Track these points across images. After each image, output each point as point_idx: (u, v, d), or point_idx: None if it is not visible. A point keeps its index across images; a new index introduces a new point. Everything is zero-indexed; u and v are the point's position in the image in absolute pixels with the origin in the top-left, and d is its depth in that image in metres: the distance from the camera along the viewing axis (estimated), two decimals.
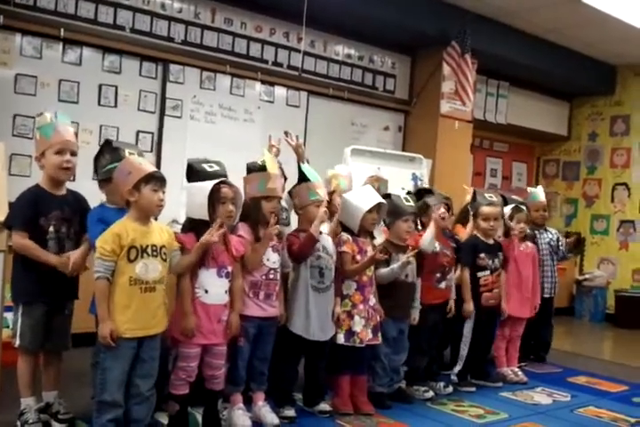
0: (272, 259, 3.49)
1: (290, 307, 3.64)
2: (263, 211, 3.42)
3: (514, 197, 5.14)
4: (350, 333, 3.69)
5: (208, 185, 3.14)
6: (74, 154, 3.22)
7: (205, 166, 3.48)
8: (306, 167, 3.80)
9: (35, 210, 3.14)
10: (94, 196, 3.35)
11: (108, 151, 3.29)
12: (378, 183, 4.38)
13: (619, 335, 7.65)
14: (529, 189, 5.69)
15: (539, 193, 5.47)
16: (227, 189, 3.22)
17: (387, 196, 3.98)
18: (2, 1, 4.68)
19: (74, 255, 3.18)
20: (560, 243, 5.55)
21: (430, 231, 4.01)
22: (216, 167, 3.52)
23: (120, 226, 2.85)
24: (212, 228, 3.06)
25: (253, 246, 3.39)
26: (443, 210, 4.25)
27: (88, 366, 3.33)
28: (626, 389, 4.85)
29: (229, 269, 3.26)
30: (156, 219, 3.09)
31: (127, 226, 2.86)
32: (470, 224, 4.59)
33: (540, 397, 4.46)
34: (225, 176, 3.51)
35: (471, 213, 4.60)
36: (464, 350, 4.47)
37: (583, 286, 8.43)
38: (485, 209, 4.49)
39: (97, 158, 3.33)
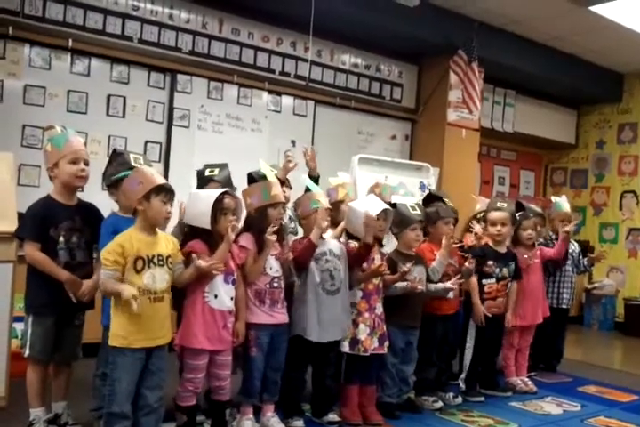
0: (275, 267, 3.51)
1: (300, 315, 3.61)
2: (270, 218, 3.43)
3: (532, 206, 5.11)
4: (355, 341, 3.69)
5: (212, 194, 3.15)
6: (87, 163, 3.26)
7: (206, 171, 3.60)
8: (306, 180, 3.83)
9: (45, 221, 3.17)
10: (104, 206, 3.38)
11: (114, 157, 3.35)
12: (379, 189, 4.37)
13: (628, 344, 7.61)
14: (553, 198, 5.60)
15: (563, 203, 5.40)
16: (229, 199, 3.23)
17: (392, 205, 3.97)
18: (11, 12, 4.72)
19: (87, 284, 3.21)
20: (581, 256, 5.52)
21: (439, 261, 4.04)
22: (215, 172, 3.61)
23: (125, 236, 2.86)
24: (213, 263, 3.06)
25: (255, 257, 3.40)
26: (452, 227, 4.26)
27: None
28: (636, 398, 4.82)
29: (235, 276, 3.29)
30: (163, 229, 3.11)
31: (132, 236, 2.87)
32: (476, 229, 4.55)
33: (550, 406, 4.44)
34: (223, 181, 3.57)
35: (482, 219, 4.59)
36: (467, 358, 4.47)
37: (592, 294, 8.39)
38: (493, 214, 4.49)
39: (106, 168, 3.38)
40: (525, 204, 5.08)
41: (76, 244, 3.24)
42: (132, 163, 3.25)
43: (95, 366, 3.33)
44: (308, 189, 3.82)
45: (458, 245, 4.22)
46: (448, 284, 4.03)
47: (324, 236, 3.64)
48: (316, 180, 4.18)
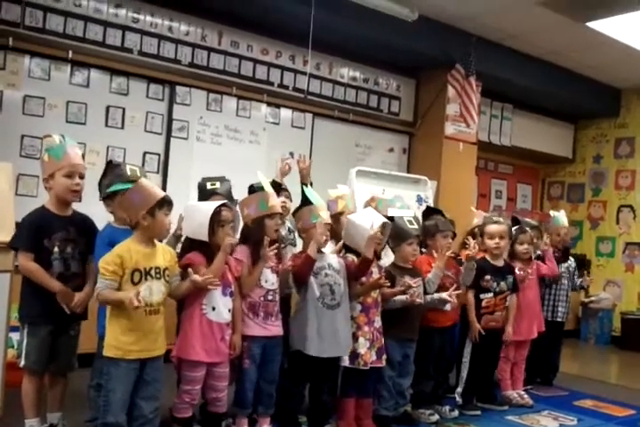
0: (270, 280, 3.51)
1: (300, 329, 3.60)
2: (267, 229, 3.43)
3: (527, 219, 5.13)
4: (354, 355, 3.67)
5: (210, 207, 3.16)
6: (82, 177, 3.26)
7: (207, 184, 3.62)
8: (308, 190, 3.83)
9: (38, 231, 3.16)
10: (101, 216, 3.38)
11: (110, 169, 3.37)
12: (375, 203, 4.38)
13: (625, 358, 7.59)
14: (551, 212, 5.64)
15: (561, 217, 5.44)
16: (226, 211, 3.24)
17: (390, 219, 3.97)
18: (11, 23, 4.74)
19: (79, 295, 3.21)
20: (576, 270, 5.54)
21: (435, 273, 4.05)
22: (217, 185, 3.63)
23: (123, 248, 2.86)
24: (209, 277, 3.06)
25: (250, 269, 3.40)
26: (450, 240, 4.26)
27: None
28: (632, 413, 4.80)
29: (233, 288, 3.29)
30: (160, 240, 3.11)
31: (131, 248, 2.86)
32: (472, 244, 4.53)
33: (547, 420, 4.42)
34: (226, 194, 3.59)
35: (479, 233, 4.57)
36: (464, 372, 4.45)
37: (589, 308, 8.38)
38: (490, 227, 4.49)
39: (101, 179, 3.38)
40: (521, 218, 5.10)
41: (70, 254, 3.24)
42: (129, 174, 3.26)
43: (90, 377, 3.33)
44: (304, 199, 3.82)
45: (452, 255, 4.22)
46: (444, 294, 4.02)
47: (323, 250, 3.65)
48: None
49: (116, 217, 3.30)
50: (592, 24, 6.19)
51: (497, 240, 4.45)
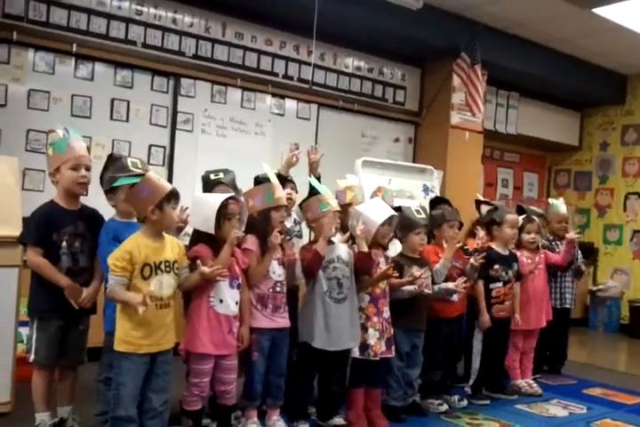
0: (277, 272, 3.50)
1: (307, 322, 3.60)
2: (273, 221, 3.42)
3: (532, 207, 5.12)
4: (364, 346, 3.66)
5: (217, 200, 3.15)
6: (88, 169, 3.25)
7: (211, 175, 3.64)
8: (314, 181, 3.82)
9: (47, 226, 3.16)
10: (108, 209, 3.37)
11: (112, 162, 3.35)
12: (381, 193, 4.36)
13: (633, 346, 7.60)
14: (550, 200, 5.64)
15: (560, 205, 5.44)
16: (234, 205, 3.22)
17: (397, 209, 3.96)
18: (15, 17, 4.74)
19: (87, 291, 3.21)
20: (580, 258, 5.52)
21: (443, 264, 4.04)
22: (221, 175, 3.62)
23: (132, 243, 2.84)
24: (217, 268, 3.04)
25: (259, 259, 3.40)
26: (457, 230, 4.24)
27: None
28: None
29: (240, 280, 3.28)
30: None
31: (139, 243, 2.85)
32: (481, 235, 4.50)
33: (556, 409, 4.43)
34: (231, 184, 3.58)
35: (498, 221, 4.53)
36: (476, 362, 4.44)
37: (597, 296, 8.37)
38: (511, 217, 4.48)
39: (102, 172, 3.36)
40: (526, 207, 5.09)
41: (78, 249, 3.24)
42: (131, 167, 3.25)
43: (97, 372, 3.34)
44: (312, 189, 3.80)
45: (460, 245, 4.21)
46: (450, 284, 4.01)
47: (332, 239, 3.63)
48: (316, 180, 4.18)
49: (118, 210, 3.28)
50: (598, 10, 6.15)
51: (515, 230, 4.46)
